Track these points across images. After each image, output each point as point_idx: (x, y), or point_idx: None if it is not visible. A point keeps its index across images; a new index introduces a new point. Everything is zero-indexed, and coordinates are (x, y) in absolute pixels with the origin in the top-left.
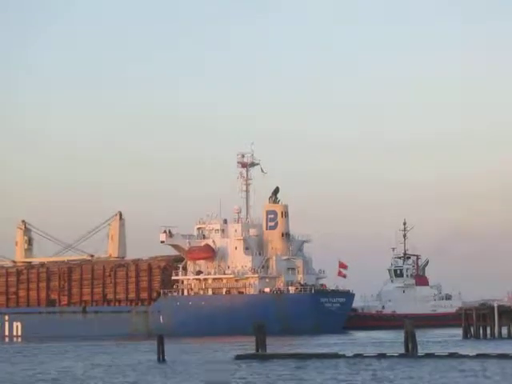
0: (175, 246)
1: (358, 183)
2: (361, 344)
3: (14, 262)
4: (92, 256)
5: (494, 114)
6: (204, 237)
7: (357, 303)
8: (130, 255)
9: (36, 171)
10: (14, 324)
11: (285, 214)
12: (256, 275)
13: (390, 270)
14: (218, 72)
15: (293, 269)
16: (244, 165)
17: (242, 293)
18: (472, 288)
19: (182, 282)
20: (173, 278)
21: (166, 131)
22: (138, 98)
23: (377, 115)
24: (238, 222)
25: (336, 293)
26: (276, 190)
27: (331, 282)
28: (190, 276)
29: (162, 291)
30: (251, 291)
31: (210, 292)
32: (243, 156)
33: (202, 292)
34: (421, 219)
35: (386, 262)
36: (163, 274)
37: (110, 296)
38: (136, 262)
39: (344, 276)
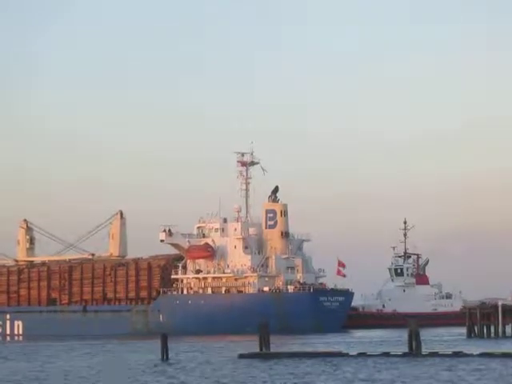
0: (175, 245)
1: (358, 182)
2: (360, 343)
3: (16, 260)
4: (93, 255)
5: (493, 114)
6: (204, 236)
7: (357, 302)
8: (131, 254)
9: (36, 169)
10: (16, 323)
11: (284, 213)
12: (255, 274)
13: (390, 269)
14: (218, 72)
15: (292, 268)
16: (244, 164)
17: (242, 292)
18: (473, 287)
19: (182, 281)
20: (172, 276)
21: (166, 130)
22: (139, 98)
23: (377, 114)
24: (237, 221)
25: (335, 292)
26: (275, 189)
27: (331, 281)
28: (190, 275)
29: (161, 290)
30: (250, 290)
31: (209, 291)
32: (243, 155)
33: (201, 291)
34: (421, 218)
35: (386, 261)
36: (163, 273)
37: (111, 295)
38: (136, 261)
39: (343, 275)
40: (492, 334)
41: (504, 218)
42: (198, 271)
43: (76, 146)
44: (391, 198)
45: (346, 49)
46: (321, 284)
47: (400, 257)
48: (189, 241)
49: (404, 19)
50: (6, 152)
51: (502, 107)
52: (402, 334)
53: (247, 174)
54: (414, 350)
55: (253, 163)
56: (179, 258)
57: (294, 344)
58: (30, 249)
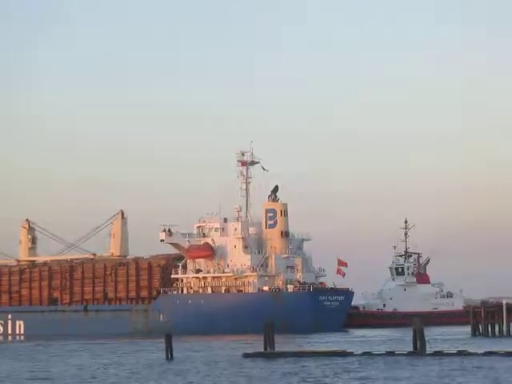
0: (175, 245)
1: (358, 181)
2: (361, 342)
3: (18, 260)
4: (94, 255)
5: (494, 114)
6: (204, 235)
7: (358, 301)
8: (133, 254)
9: (37, 169)
10: (17, 322)
11: (284, 213)
12: (255, 274)
13: (391, 269)
14: (218, 71)
15: (292, 267)
16: (244, 163)
17: (241, 291)
18: (473, 286)
19: (182, 281)
20: (172, 276)
21: (166, 130)
22: (139, 98)
23: (377, 114)
24: (237, 221)
25: (335, 291)
26: (275, 189)
27: (331, 281)
28: (190, 274)
29: (161, 290)
30: (250, 290)
31: (209, 290)
32: (243, 154)
33: (201, 290)
34: (422, 217)
35: (387, 260)
36: (163, 273)
37: (111, 295)
38: (136, 261)
39: (343, 274)
40: (496, 333)
41: (504, 217)
42: (198, 271)
43: (76, 146)
44: (392, 197)
45: (346, 49)
46: (321, 283)
47: (401, 256)
48: (189, 240)
49: (404, 19)
50: (6, 152)
51: (501, 107)
52: (402, 334)
53: (247, 174)
54: (419, 349)
55: (253, 163)
56: (179, 258)
57: (296, 343)
58: (32, 249)
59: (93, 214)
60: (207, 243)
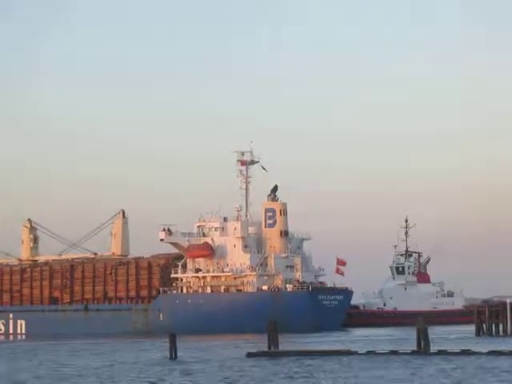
0: (174, 244)
1: (358, 181)
2: (361, 341)
3: (20, 260)
4: (95, 254)
5: (493, 114)
6: (204, 235)
7: (359, 300)
8: (134, 253)
9: (38, 169)
10: (18, 322)
11: (283, 212)
12: (254, 273)
13: (391, 268)
14: (218, 71)
15: (291, 266)
16: (243, 163)
17: (241, 291)
18: (474, 285)
19: (182, 280)
20: (172, 275)
21: (167, 130)
22: (139, 97)
23: (376, 114)
24: (237, 220)
25: (334, 290)
26: (275, 188)
27: (331, 280)
28: (189, 274)
29: (161, 289)
30: (249, 289)
31: (208, 290)
32: (243, 154)
33: (200, 290)
34: (422, 216)
35: (388, 259)
36: (163, 272)
37: (111, 294)
38: (136, 260)
39: (342, 273)
40: (501, 332)
41: (505, 217)
42: (198, 270)
43: (77, 146)
44: (392, 196)
45: (345, 49)
46: (320, 283)
47: (401, 255)
48: (188, 240)
49: (404, 19)
50: (8, 152)
51: (501, 107)
52: (402, 333)
53: (247, 173)
54: (423, 348)
55: (253, 162)
56: (180, 257)
57: (297, 343)
58: (34, 248)
59: (94, 213)
60: (207, 243)
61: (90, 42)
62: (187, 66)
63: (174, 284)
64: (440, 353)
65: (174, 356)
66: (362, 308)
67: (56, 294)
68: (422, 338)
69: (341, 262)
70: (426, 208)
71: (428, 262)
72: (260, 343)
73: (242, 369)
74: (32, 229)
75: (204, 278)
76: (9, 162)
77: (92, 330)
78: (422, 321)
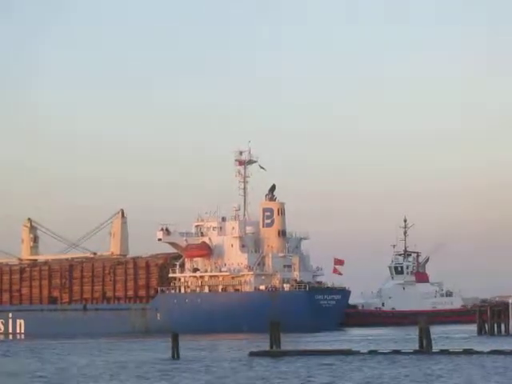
0: (172, 244)
1: (357, 181)
2: (359, 341)
3: (20, 259)
4: (95, 254)
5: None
6: (202, 234)
7: (357, 300)
8: (133, 252)
9: (38, 168)
10: (18, 321)
11: (281, 212)
12: (251, 273)
13: (390, 267)
14: (218, 71)
15: (289, 266)
16: (241, 163)
17: (238, 290)
18: (473, 285)
19: (180, 280)
20: (170, 275)
21: (166, 129)
22: (138, 97)
23: (376, 113)
24: (235, 220)
25: (331, 290)
26: (272, 188)
27: (330, 280)
28: (187, 273)
29: (159, 289)
30: (247, 289)
31: (206, 289)
32: (241, 153)
33: (198, 289)
34: (422, 216)
35: (387, 259)
36: (161, 272)
37: (110, 294)
38: (135, 260)
39: (339, 273)
40: (503, 332)
41: (504, 217)
42: (196, 270)
43: (76, 146)
44: (391, 196)
45: (346, 49)
46: (318, 282)
47: (400, 255)
48: (186, 239)
49: (404, 19)
50: (8, 151)
51: (501, 107)
52: (400, 332)
53: (245, 173)
54: (425, 348)
55: (251, 162)
56: (178, 257)
57: (296, 342)
58: (34, 247)
59: (94, 213)
60: (204, 242)
61: (90, 42)
62: (187, 66)
63: (171, 284)
64: (442, 352)
65: (176, 356)
66: (360, 308)
67: (55, 293)
68: (424, 338)
69: (338, 262)
70: (426, 208)
71: (427, 261)
72: (259, 342)
73: (247, 368)
74: (32, 228)
75: (202, 277)
76: (9, 161)
77: (91, 330)
78: (424, 320)
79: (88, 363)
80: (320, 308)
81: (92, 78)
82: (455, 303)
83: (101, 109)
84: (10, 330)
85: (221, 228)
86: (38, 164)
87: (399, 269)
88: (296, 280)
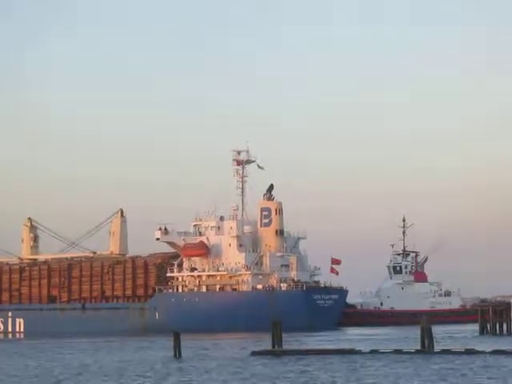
0: (170, 243)
1: (355, 180)
2: (358, 341)
3: (21, 258)
4: (94, 253)
5: (493, 113)
6: (200, 234)
7: (356, 300)
8: (133, 252)
9: (38, 168)
10: (17, 320)
11: (279, 211)
12: (249, 272)
13: (389, 267)
14: (218, 71)
15: (286, 265)
16: (239, 163)
17: (236, 289)
18: (471, 285)
19: (177, 279)
20: (168, 274)
21: (166, 129)
22: (138, 97)
23: (376, 113)
24: (233, 220)
25: (329, 289)
26: (270, 187)
27: (328, 279)
28: (185, 273)
29: (157, 288)
30: (244, 288)
31: (204, 289)
32: (239, 153)
33: (196, 289)
34: (421, 216)
35: (385, 258)
36: (159, 271)
37: (108, 293)
38: (133, 259)
39: (336, 273)
40: (504, 331)
41: (503, 217)
42: (193, 269)
43: (76, 146)
44: (390, 195)
45: (346, 49)
46: (316, 282)
47: (399, 254)
48: (184, 239)
49: (404, 19)
50: (8, 151)
51: (501, 107)
52: (398, 332)
53: (243, 173)
54: (427, 347)
55: (249, 161)
56: (176, 256)
57: (296, 342)
58: (34, 247)
59: (94, 212)
60: (202, 242)
61: (90, 42)
62: (187, 65)
63: (170, 283)
64: (444, 352)
65: (178, 354)
66: (359, 307)
67: (54, 292)
68: (426, 337)
69: (335, 261)
70: (425, 208)
71: (425, 261)
72: (257, 341)
73: (251, 367)
74: (32, 227)
75: (199, 276)
76: (9, 161)
77: (89, 329)
78: (425, 320)
79: (93, 362)
80: (317, 307)
81: (92, 77)
82: (454, 303)
83: (100, 109)
84: (10, 329)
85: (219, 227)
86: (39, 164)
87: (398, 268)
88: (293, 279)
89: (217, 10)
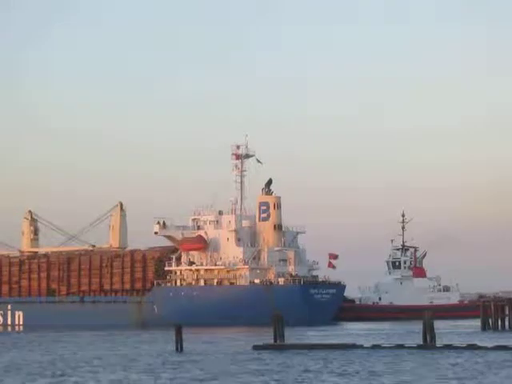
0: (169, 237)
1: (356, 175)
2: (357, 335)
3: (21, 251)
4: (94, 246)
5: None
6: (198, 228)
7: (355, 294)
8: (132, 245)
9: (38, 161)
10: (16, 313)
11: (277, 206)
12: (246, 266)
13: (388, 262)
14: (218, 71)
15: (284, 260)
16: (238, 157)
17: (233, 284)
18: (470, 280)
19: (176, 273)
20: (166, 268)
21: (166, 124)
22: (139, 92)
23: (376, 108)
24: (232, 214)
25: (326, 284)
26: (269, 182)
27: (326, 274)
28: (183, 267)
29: (155, 282)
30: (242, 282)
31: (202, 283)
32: (238, 147)
33: (194, 283)
34: (420, 210)
35: (385, 253)
36: (157, 265)
37: (107, 286)
38: (132, 253)
39: (334, 267)
40: (506, 327)
41: (502, 213)
42: (191, 263)
43: (77, 139)
44: (390, 190)
45: (346, 49)
46: (314, 277)
47: (398, 250)
48: (182, 233)
49: (404, 19)
50: (9, 144)
51: (501, 107)
52: (396, 327)
53: (242, 167)
54: (429, 342)
55: (248, 156)
56: (175, 250)
57: (294, 336)
58: (34, 240)
59: (94, 205)
60: (200, 235)
61: (90, 38)
62: (187, 65)
63: (168, 277)
64: (446, 347)
65: (180, 348)
66: (357, 302)
67: (53, 285)
68: (428, 332)
69: (332, 256)
70: (424, 203)
71: (424, 256)
72: (256, 335)
73: (253, 361)
74: (33, 220)
75: (197, 270)
76: (10, 154)
77: (88, 322)
78: (428, 315)
79: (97, 356)
80: (314, 302)
81: (92, 72)
82: (452, 298)
83: (101, 103)
84: (9, 322)
85: (217, 222)
86: (39, 157)
87: (397, 263)
88: (291, 274)
89: (217, 10)
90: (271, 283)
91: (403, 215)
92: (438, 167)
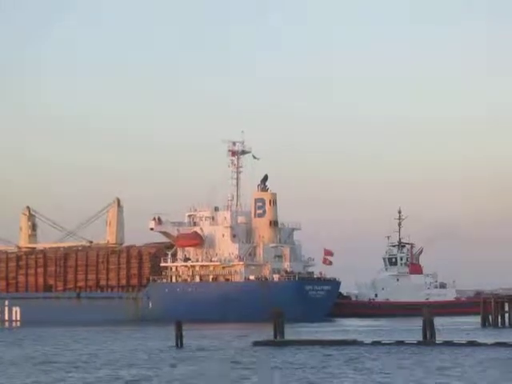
0: (164, 233)
1: (352, 171)
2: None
3: (19, 247)
4: (91, 242)
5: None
6: (194, 224)
7: (351, 291)
8: (129, 242)
9: (37, 157)
10: (13, 309)
11: (273, 202)
12: (242, 263)
13: (384, 259)
14: (218, 71)
15: (280, 256)
16: (234, 153)
17: (229, 280)
18: (467, 277)
19: (171, 269)
20: (162, 264)
21: (165, 119)
22: (138, 86)
23: (372, 104)
24: (227, 210)
25: (321, 280)
26: (265, 178)
27: (322, 270)
28: (179, 263)
29: (151, 278)
30: (237, 279)
31: (197, 279)
32: (234, 144)
33: (189, 279)
34: (417, 207)
35: (381, 250)
36: (153, 261)
37: (103, 282)
38: (128, 249)
39: (329, 263)
40: (506, 324)
41: (500, 210)
42: (187, 259)
43: (75, 135)
44: (386, 186)
45: (345, 48)
46: (309, 273)
47: (394, 246)
48: (178, 229)
49: (404, 19)
50: (7, 140)
51: (501, 107)
52: (394, 324)
53: (238, 163)
54: (429, 339)
55: (244, 152)
56: (171, 246)
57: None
58: (32, 235)
59: (92, 201)
60: (196, 232)
61: (90, 32)
62: (187, 65)
63: (163, 273)
64: (446, 343)
65: (180, 344)
66: (353, 298)
67: (50, 281)
68: (428, 329)
69: (328, 253)
70: (421, 199)
71: (421, 253)
72: (255, 332)
73: (255, 357)
74: (31, 216)
75: (193, 266)
76: (9, 150)
77: (84, 318)
78: (428, 311)
79: (96, 351)
80: (309, 298)
81: (92, 65)
82: (449, 295)
83: (100, 96)
84: (6, 318)
85: (213, 218)
86: (37, 153)
87: (393, 260)
88: (286, 270)
89: (217, 10)
90: (266, 279)
91: (400, 212)
92: (438, 164)
